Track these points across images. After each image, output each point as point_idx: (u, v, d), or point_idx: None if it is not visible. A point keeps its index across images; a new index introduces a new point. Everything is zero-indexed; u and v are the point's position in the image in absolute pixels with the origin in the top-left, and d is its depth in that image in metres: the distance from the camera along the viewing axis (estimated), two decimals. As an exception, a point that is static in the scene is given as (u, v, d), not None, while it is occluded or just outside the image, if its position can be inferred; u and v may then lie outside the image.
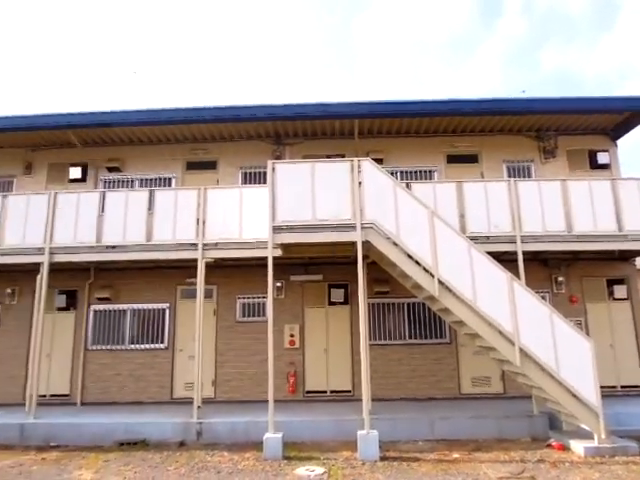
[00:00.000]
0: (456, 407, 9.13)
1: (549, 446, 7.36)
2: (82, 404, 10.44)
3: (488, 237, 8.72)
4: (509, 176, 11.21)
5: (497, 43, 53.07)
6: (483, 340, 7.55)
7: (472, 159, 11.60)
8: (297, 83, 55.05)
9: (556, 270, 10.61)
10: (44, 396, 10.05)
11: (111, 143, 11.87)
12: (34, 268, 9.24)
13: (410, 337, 10.61)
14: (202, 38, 58.24)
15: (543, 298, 8.34)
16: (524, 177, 11.27)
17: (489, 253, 7.65)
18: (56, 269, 9.39)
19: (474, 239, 8.03)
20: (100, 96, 47.18)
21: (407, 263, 7.64)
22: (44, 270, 9.02)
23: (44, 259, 9.04)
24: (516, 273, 7.90)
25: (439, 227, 7.61)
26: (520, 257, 8.48)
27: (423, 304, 9.86)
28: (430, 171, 11.49)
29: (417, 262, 7.61)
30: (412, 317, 10.69)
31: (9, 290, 10.99)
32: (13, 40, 52.06)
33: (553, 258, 10.39)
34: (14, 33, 52.65)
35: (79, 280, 10.94)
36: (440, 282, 7.45)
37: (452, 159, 11.61)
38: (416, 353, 10.53)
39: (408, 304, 10.68)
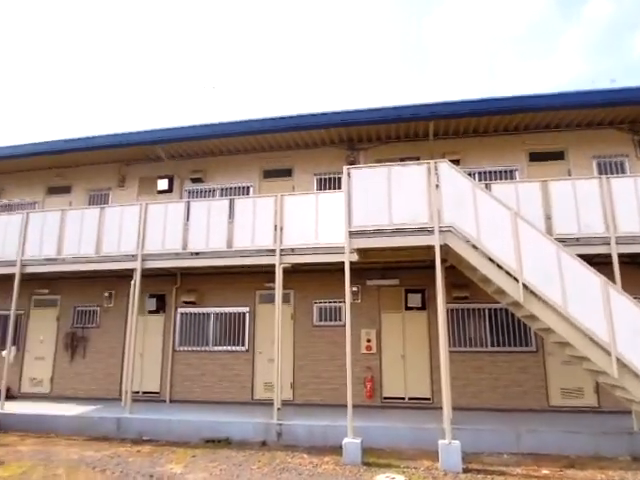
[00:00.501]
0: (544, 420, 8.60)
1: (653, 467, 6.72)
2: (171, 402, 11.08)
3: (578, 239, 8.17)
4: (600, 173, 10.42)
5: (580, 31, 49.70)
6: (574, 349, 7.05)
7: (557, 156, 10.92)
8: (368, 87, 55.02)
9: (657, 274, 9.68)
10: (137, 393, 10.80)
11: (194, 155, 12.58)
12: (128, 274, 9.99)
13: (492, 344, 10.16)
14: (273, 44, 60.00)
15: (643, 304, 7.65)
16: (617, 173, 10.42)
17: (580, 256, 7.14)
18: (147, 274, 10.08)
19: (562, 241, 7.55)
20: (182, 111, 50.10)
21: (489, 267, 7.34)
22: (137, 275, 9.71)
23: (137, 265, 9.75)
24: (611, 277, 7.30)
25: (523, 229, 7.24)
26: (615, 260, 7.84)
27: (506, 310, 9.44)
28: (511, 171, 10.98)
29: (499, 266, 7.29)
30: (494, 323, 10.24)
31: (106, 294, 11.96)
32: (101, 59, 56.79)
33: (654, 261, 9.49)
34: (101, 52, 57.41)
35: (167, 285, 11.66)
36: (525, 287, 7.07)
37: (535, 157, 11.01)
38: (499, 361, 10.07)
39: (489, 310, 10.25)
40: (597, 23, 48.01)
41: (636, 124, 10.57)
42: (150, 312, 11.65)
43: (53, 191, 13.57)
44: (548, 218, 8.31)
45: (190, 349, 11.42)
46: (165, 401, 11.11)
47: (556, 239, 7.44)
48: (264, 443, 8.25)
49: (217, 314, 11.47)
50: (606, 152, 10.68)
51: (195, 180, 12.41)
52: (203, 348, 11.36)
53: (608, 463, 6.96)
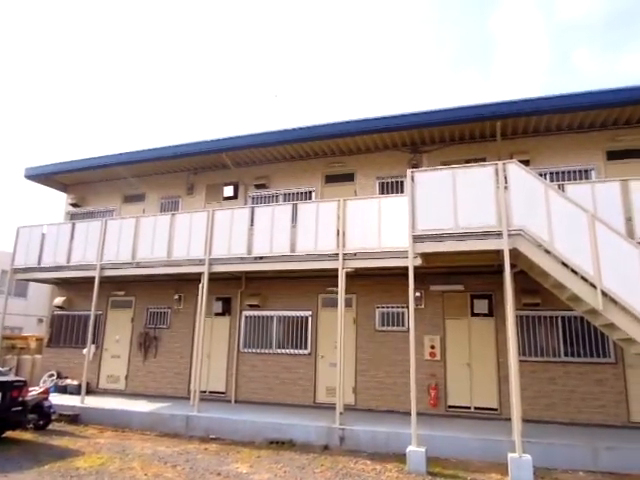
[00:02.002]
0: (625, 436, 8.00)
1: None
2: (236, 402, 11.39)
3: (663, 243, 7.55)
4: (685, 170, 9.59)
5: None
6: (660, 362, 6.53)
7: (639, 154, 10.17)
8: (433, 89, 54.06)
9: None
10: (204, 392, 11.19)
11: (258, 162, 12.90)
12: (196, 277, 10.41)
13: (565, 354, 9.59)
14: (335, 52, 60.41)
15: None
16: None
17: (666, 261, 6.61)
18: (213, 278, 10.44)
19: (645, 245, 7.01)
20: (248, 119, 51.62)
21: (562, 272, 6.95)
22: (205, 279, 10.10)
23: (204, 269, 10.14)
24: (703, 284, 6.69)
25: (601, 232, 6.79)
26: None
27: (581, 318, 8.89)
28: (586, 170, 10.34)
29: (574, 271, 6.89)
30: (567, 332, 9.66)
31: (176, 296, 12.51)
32: (172, 71, 59.65)
33: None
34: (172, 63, 60.29)
35: (232, 288, 12.02)
36: (604, 294, 6.63)
37: (613, 155, 10.30)
38: (573, 372, 9.48)
39: (562, 317, 9.69)
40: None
41: None
42: (216, 314, 12.06)
43: (128, 199, 14.43)
44: (629, 220, 7.73)
45: (254, 351, 11.69)
46: (230, 401, 11.43)
47: (638, 243, 6.92)
48: (326, 447, 8.27)
49: (280, 317, 11.67)
50: (696, 148, 9.80)
51: (259, 186, 12.74)
52: (266, 350, 11.59)
53: (701, 488, 6.37)
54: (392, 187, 11.54)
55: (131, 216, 11.70)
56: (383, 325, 10.80)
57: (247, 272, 11.21)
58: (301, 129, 11.54)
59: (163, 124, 53.34)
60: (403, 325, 10.50)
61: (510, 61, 53.62)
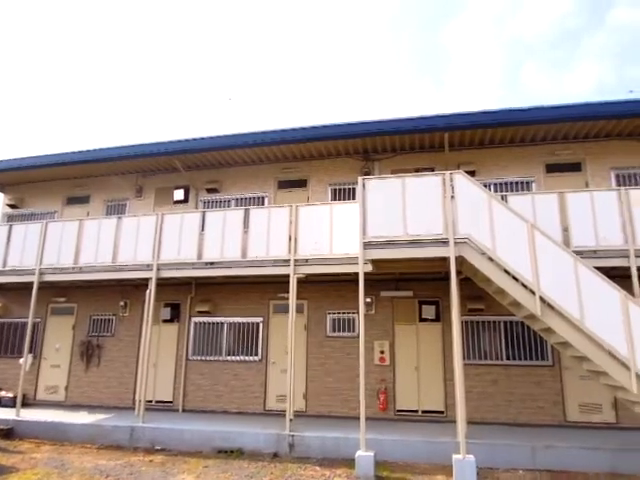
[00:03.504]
0: (561, 435, 8.42)
1: (675, 486, 6.54)
2: (184, 411, 11.10)
3: (595, 251, 8.05)
4: (618, 185, 10.29)
5: (607, 37, 49.25)
6: (592, 364, 6.91)
7: (575, 167, 10.81)
8: (385, 98, 55.25)
9: (678, 288, 9.48)
10: (150, 402, 10.83)
11: (210, 166, 12.71)
12: (143, 283, 10.10)
13: (507, 358, 10.02)
14: (289, 56, 60.68)
15: (663, 319, 7.48)
16: (637, 185, 10.27)
17: (597, 268, 7.03)
18: (162, 284, 10.17)
19: (579, 253, 7.45)
20: (199, 122, 50.78)
21: (504, 279, 7.26)
22: (152, 285, 9.81)
23: (152, 274, 9.84)
24: (630, 290, 7.17)
25: (540, 241, 7.16)
26: (634, 273, 7.69)
27: (522, 323, 9.31)
28: (527, 182, 10.89)
29: (515, 278, 7.21)
30: (509, 336, 10.10)
31: (122, 303, 12.07)
32: (119, 69, 57.96)
33: (674, 274, 9.30)
34: (118, 62, 58.59)
35: (182, 294, 11.75)
36: (542, 299, 6.98)
37: (552, 168, 10.91)
38: (514, 375, 9.91)
39: (505, 322, 10.12)
40: (622, 29, 47.60)
41: (657, 135, 10.43)
42: (164, 321, 11.73)
43: (72, 201, 13.81)
44: (565, 230, 8.21)
45: (203, 358, 11.45)
46: (178, 410, 11.13)
47: (573, 251, 7.34)
48: (276, 454, 8.20)
49: (231, 324, 11.51)
50: (625, 163, 10.54)
51: (210, 190, 12.54)
52: (216, 358, 11.39)
53: (627, 481, 6.80)
54: (344, 194, 11.69)
55: (74, 219, 11.18)
56: (334, 331, 10.87)
57: (197, 278, 10.98)
58: (252, 134, 11.48)
59: (114, 125, 51.58)
60: (354, 331, 10.61)
61: (463, 73, 55.70)
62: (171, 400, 11.36)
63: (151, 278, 9.84)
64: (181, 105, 56.11)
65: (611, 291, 6.76)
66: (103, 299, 12.28)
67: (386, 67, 59.37)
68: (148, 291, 9.82)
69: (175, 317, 11.79)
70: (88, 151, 12.56)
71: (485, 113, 10.38)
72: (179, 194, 12.36)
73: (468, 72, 54.93)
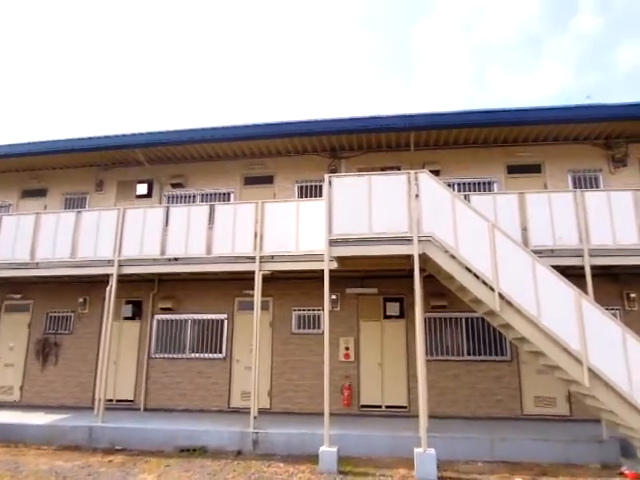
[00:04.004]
0: (518, 428, 8.72)
1: (621, 474, 6.87)
2: (145, 409, 10.88)
3: (553, 250, 8.35)
4: (575, 186, 10.70)
5: (570, 43, 50.97)
6: (548, 359, 7.18)
7: (535, 169, 11.17)
8: (354, 93, 55.52)
9: (628, 286, 9.95)
10: (111, 401, 10.57)
11: (175, 160, 12.46)
12: (104, 279, 9.82)
13: (469, 353, 10.28)
14: (258, 51, 60.17)
15: (614, 315, 7.85)
16: (591, 187, 10.71)
17: (554, 267, 7.31)
18: (123, 280, 9.91)
19: (538, 252, 7.72)
20: (164, 116, 49.74)
21: (466, 276, 7.44)
22: (113, 281, 9.55)
23: (113, 271, 9.59)
24: (584, 288, 7.49)
25: (500, 240, 7.37)
26: (588, 272, 8.03)
27: (482, 319, 9.56)
28: (489, 182, 11.18)
29: (476, 276, 7.41)
30: (470, 332, 10.37)
31: (81, 300, 11.72)
32: (79, 61, 56.09)
33: (625, 273, 9.76)
34: (80, 53, 56.72)
35: (144, 291, 11.49)
36: (501, 296, 7.20)
37: (513, 169, 11.24)
38: (475, 370, 10.18)
39: (466, 319, 10.38)
40: (585, 36, 49.35)
41: (610, 140, 10.88)
42: (126, 318, 11.45)
43: (28, 194, 13.27)
44: (524, 230, 8.48)
45: (166, 356, 11.25)
46: (139, 409, 10.90)
47: (532, 250, 7.59)
48: (240, 452, 8.16)
49: (195, 321, 11.35)
50: (581, 166, 10.97)
51: (175, 185, 12.30)
52: (180, 355, 11.21)
53: (579, 471, 7.10)
54: (311, 191, 11.69)
55: (31, 212, 10.74)
56: (299, 328, 10.88)
57: (160, 274, 10.76)
58: (217, 129, 11.32)
59: (81, 118, 49.89)
60: (319, 328, 10.64)
61: (431, 73, 56.56)
62: (132, 399, 11.12)
63: (112, 274, 9.58)
64: (149, 99, 54.79)
65: (566, 289, 7.03)
66: (61, 296, 11.88)
67: (357, 65, 59.69)
68: (109, 287, 9.56)
69: (137, 314, 11.53)
70: (43, 142, 12.07)
71: (447, 114, 10.61)
72: (142, 188, 12.06)
73: (437, 72, 55.88)
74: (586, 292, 7.55)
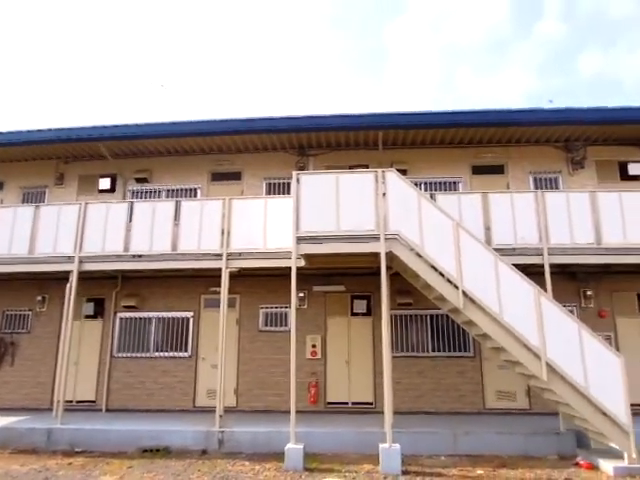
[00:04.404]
0: (480, 422, 8.95)
1: (577, 465, 7.15)
2: (107, 410, 10.61)
3: (514, 249, 8.59)
4: (536, 187, 11.04)
5: (535, 47, 52.42)
6: (508, 354, 7.41)
7: (498, 170, 11.47)
8: (325, 91, 55.55)
9: (585, 283, 10.35)
10: (71, 402, 10.27)
11: (139, 155, 12.17)
12: (64, 276, 9.50)
13: (433, 350, 10.48)
14: (229, 48, 59.42)
15: (571, 312, 8.16)
16: (551, 188, 11.08)
17: (515, 265, 7.53)
18: (85, 277, 9.62)
19: (500, 251, 7.91)
20: (129, 109, 48.51)
21: (431, 274, 7.58)
22: (73, 278, 9.26)
23: (74, 267, 9.29)
24: (543, 286, 7.75)
25: (464, 239, 7.53)
26: (547, 270, 8.31)
27: (447, 316, 9.73)
28: (455, 182, 11.41)
29: (441, 274, 7.55)
30: (435, 329, 10.57)
31: (39, 298, 11.30)
32: (43, 53, 54.06)
33: (582, 271, 10.15)
34: (45, 46, 54.67)
35: (106, 288, 11.19)
36: (465, 294, 7.36)
37: (477, 170, 11.50)
38: (439, 366, 10.39)
39: (431, 316, 10.57)
40: (550, 41, 50.83)
41: (569, 143, 11.28)
42: (87, 317, 11.14)
43: (-18, 187, 12.70)
44: (488, 229, 8.69)
45: (130, 355, 11.00)
46: (101, 410, 10.62)
47: (494, 249, 7.80)
48: (205, 451, 8.05)
49: (159, 319, 11.13)
50: (542, 168, 11.33)
51: (140, 180, 12.01)
52: (144, 354, 10.97)
53: (537, 462, 7.33)
54: (279, 188, 11.64)
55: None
56: (267, 325, 10.84)
57: (124, 271, 10.50)
58: (185, 123, 11.14)
59: (42, 109, 48.03)
60: (286, 325, 10.62)
61: (402, 73, 57.16)
62: (94, 399, 10.82)
63: (72, 271, 9.28)
64: (115, 92, 53.27)
65: (526, 287, 7.27)
66: (18, 293, 11.42)
67: (328, 64, 59.74)
68: (69, 285, 9.26)
69: (99, 313, 11.22)
70: (1, 134, 11.57)
71: (414, 114, 10.78)
72: (105, 183, 11.74)
73: (407, 72, 56.55)
74: (545, 290, 7.81)
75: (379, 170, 8.01)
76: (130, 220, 9.49)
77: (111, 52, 56.69)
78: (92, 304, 11.13)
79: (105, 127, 11.29)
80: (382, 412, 7.34)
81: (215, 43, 59.60)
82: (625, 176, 11.09)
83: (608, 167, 11.26)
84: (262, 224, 9.00)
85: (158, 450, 8.07)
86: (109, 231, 9.41)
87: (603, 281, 10.39)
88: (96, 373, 10.95)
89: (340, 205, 7.80)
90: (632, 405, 6.86)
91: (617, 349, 9.59)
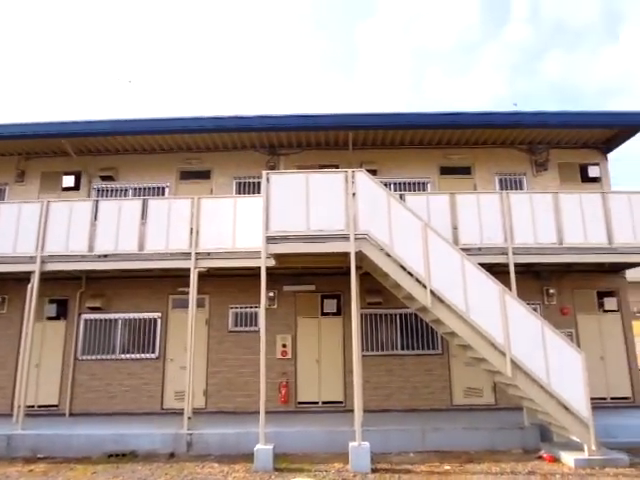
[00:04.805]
0: (448, 418, 9.11)
1: (540, 458, 7.37)
2: (71, 415, 10.30)
3: (480, 249, 8.78)
4: (501, 188, 11.32)
5: (503, 51, 53.71)
6: (475, 351, 7.56)
7: (465, 171, 11.69)
8: (298, 89, 55.47)
9: (547, 282, 10.68)
10: (32, 407, 9.93)
11: (105, 152, 11.86)
12: (25, 277, 9.17)
13: (402, 348, 10.60)
14: (200, 46, 58.66)
15: (534, 310, 8.39)
16: (516, 189, 11.37)
17: (481, 264, 7.71)
18: (47, 278, 9.32)
19: (467, 250, 8.08)
20: (96, 105, 47.30)
21: (400, 274, 7.67)
22: (35, 279, 8.95)
23: (35, 268, 8.97)
24: (508, 285, 7.95)
25: (432, 238, 7.65)
26: (512, 269, 8.53)
27: (415, 315, 9.87)
28: (424, 183, 11.56)
29: (410, 273, 7.64)
30: (404, 328, 10.69)
31: (-1, 299, 10.88)
32: (7, 46, 52.15)
33: (545, 270, 10.47)
34: (9, 39, 52.74)
35: (70, 289, 10.86)
36: (433, 293, 7.48)
37: (446, 171, 11.69)
38: (408, 364, 10.52)
39: (400, 315, 10.69)
40: (516, 46, 52.12)
41: (533, 145, 11.60)
42: (50, 318, 10.77)
43: (-63, 183, 12.13)
44: (455, 229, 8.86)
45: (95, 358, 10.70)
46: (65, 414, 10.29)
47: (462, 249, 7.96)
48: (173, 454, 7.92)
49: (126, 320, 10.87)
50: (507, 169, 11.61)
51: (105, 178, 11.70)
52: (109, 356, 10.70)
53: (502, 456, 7.53)
54: (249, 187, 11.55)
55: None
56: (236, 325, 10.74)
57: (88, 271, 10.21)
58: (152, 120, 10.93)
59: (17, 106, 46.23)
60: (256, 325, 10.55)
61: (374, 74, 57.70)
62: (57, 404, 10.49)
63: (34, 272, 8.97)
64: (82, 88, 51.81)
65: (491, 285, 7.44)
66: (-25, 295, 10.96)
67: (300, 63, 59.67)
68: (30, 286, 8.95)
69: (62, 314, 10.88)
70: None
71: (384, 115, 10.89)
72: (69, 180, 11.38)
73: (379, 73, 57.08)
74: (510, 288, 8.02)
75: (349, 170, 8.05)
76: (95, 219, 9.25)
77: (80, 49, 55.15)
78: (55, 305, 10.77)
79: (67, 123, 10.95)
80: (352, 411, 7.38)
81: (189, 43, 58.73)
82: (586, 178, 11.48)
83: (570, 169, 11.64)
84: (232, 223, 8.92)
85: (124, 454, 7.89)
86: (73, 230, 9.14)
87: (565, 279, 10.75)
88: (59, 376, 10.61)
89: (310, 205, 7.80)
90: (592, 399, 7.12)
91: (578, 345, 9.94)
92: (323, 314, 10.79)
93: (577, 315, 10.77)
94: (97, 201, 9.52)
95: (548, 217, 8.85)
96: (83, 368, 10.66)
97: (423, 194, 10.25)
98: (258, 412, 7.36)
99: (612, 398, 10.32)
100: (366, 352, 10.29)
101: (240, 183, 11.65)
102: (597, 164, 11.57)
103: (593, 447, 6.91)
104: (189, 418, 8.28)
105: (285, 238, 7.81)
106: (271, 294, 10.44)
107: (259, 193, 10.20)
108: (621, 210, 8.90)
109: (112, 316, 10.88)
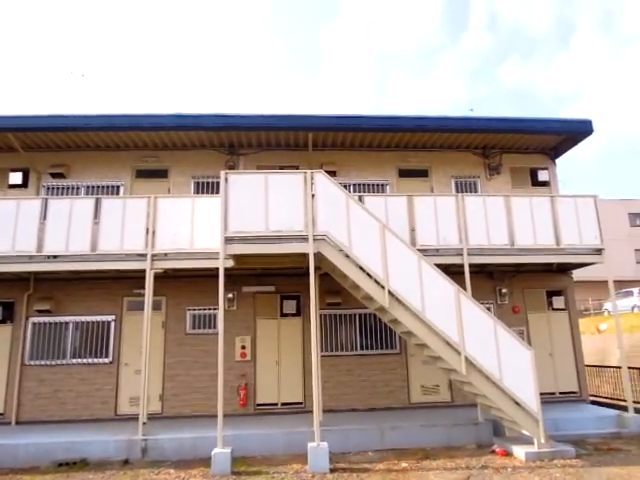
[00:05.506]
0: (406, 416, 9.26)
1: (493, 452, 7.62)
2: (17, 423, 9.80)
3: (437, 250, 8.99)
4: (457, 191, 11.62)
5: (463, 56, 55.19)
6: (431, 350, 7.73)
7: (423, 174, 11.94)
8: (265, 91, 55.06)
9: (500, 282, 11.06)
10: (-26, 416, 9.40)
11: (56, 148, 11.37)
12: (-34, 278, 8.68)
13: (361, 348, 10.70)
14: (164, 42, 57.32)
15: (488, 309, 8.65)
16: (471, 192, 11.70)
17: (438, 265, 7.90)
18: (-9, 279, 8.86)
19: (424, 251, 8.26)
20: (48, 99, 45.35)
21: (359, 274, 7.74)
22: (-22, 281, 8.48)
23: (-22, 269, 8.51)
24: (463, 285, 8.17)
25: (390, 240, 7.77)
26: (467, 269, 8.78)
27: (374, 315, 9.99)
28: (382, 184, 11.72)
29: (368, 274, 7.73)
30: (363, 328, 10.80)
31: (-63, 302, 10.24)
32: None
33: (498, 270, 10.83)
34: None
35: (17, 291, 10.35)
36: (390, 294, 7.59)
37: (404, 173, 11.89)
38: (367, 363, 10.63)
39: (359, 315, 10.79)
40: (475, 52, 53.62)
41: (487, 150, 11.98)
42: (-6, 322, 10.23)
43: None
44: (413, 230, 9.04)
45: (43, 363, 10.23)
46: (10, 423, 9.79)
47: (419, 250, 8.12)
48: (127, 461, 7.69)
49: (77, 323, 10.45)
50: (463, 172, 11.94)
51: (56, 175, 11.21)
52: (59, 362, 10.24)
53: (457, 452, 7.74)
54: (208, 187, 11.37)
55: None
56: (194, 328, 10.53)
57: (37, 273, 9.79)
58: (103, 116, 10.58)
59: None
60: (215, 327, 10.37)
61: (337, 75, 58.05)
62: (2, 412, 9.96)
63: (-23, 273, 8.51)
64: (34, 82, 49.51)
65: (447, 285, 7.63)
66: None
67: (265, 64, 59.28)
68: (-28, 288, 8.48)
69: (8, 317, 10.35)
70: None
71: (343, 117, 11.01)
72: (16, 177, 10.86)
73: (342, 75, 57.50)
74: (465, 288, 8.24)
75: (308, 171, 8.06)
76: (44, 218, 8.86)
77: (31, 44, 52.70)
78: (0, 308, 10.24)
79: (14, 117, 10.46)
80: (312, 411, 7.39)
81: (154, 40, 57.21)
82: (535, 182, 11.97)
83: (521, 173, 12.10)
84: (189, 224, 8.76)
85: (75, 463, 7.60)
86: (20, 230, 8.73)
87: (516, 279, 11.16)
88: (5, 383, 10.08)
89: (269, 205, 7.77)
90: (542, 394, 7.43)
91: (529, 342, 10.35)
92: (283, 315, 10.75)
93: (528, 313, 11.20)
94: (46, 199, 9.11)
95: (500, 219, 9.17)
96: (31, 374, 10.17)
97: (382, 196, 10.40)
98: (216, 416, 7.24)
99: (561, 393, 10.80)
100: (326, 352, 10.33)
101: (198, 183, 11.44)
102: (546, 168, 12.08)
103: (542, 440, 7.19)
104: (144, 423, 8.07)
105: (244, 239, 7.73)
106: (230, 295, 10.31)
107: (218, 193, 10.08)
108: (568, 213, 9.33)
109: (62, 319, 10.43)
